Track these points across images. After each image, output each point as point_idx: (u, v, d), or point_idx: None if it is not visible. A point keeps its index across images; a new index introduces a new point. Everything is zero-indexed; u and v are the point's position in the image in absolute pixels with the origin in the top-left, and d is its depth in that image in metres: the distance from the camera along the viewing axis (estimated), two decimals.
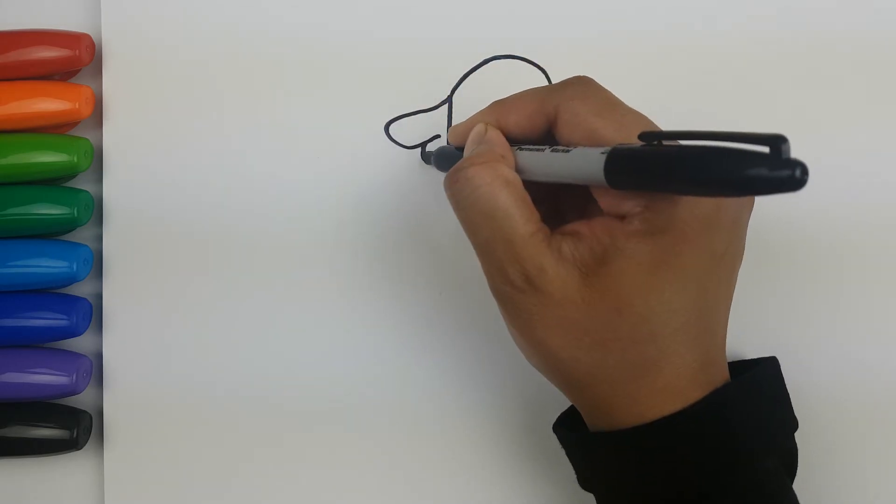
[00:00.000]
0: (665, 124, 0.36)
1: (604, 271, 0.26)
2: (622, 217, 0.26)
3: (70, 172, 0.35)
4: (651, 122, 0.28)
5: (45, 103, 0.35)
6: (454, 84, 0.36)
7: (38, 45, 0.35)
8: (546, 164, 0.27)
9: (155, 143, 0.36)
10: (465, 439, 0.35)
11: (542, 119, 0.29)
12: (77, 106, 0.35)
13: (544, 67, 0.36)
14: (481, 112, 0.31)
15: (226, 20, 0.37)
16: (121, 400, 0.36)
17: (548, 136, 0.29)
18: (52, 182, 0.36)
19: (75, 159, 0.35)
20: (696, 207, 0.25)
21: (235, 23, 0.37)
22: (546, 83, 0.36)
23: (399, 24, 0.36)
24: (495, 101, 0.31)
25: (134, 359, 0.36)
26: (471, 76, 0.36)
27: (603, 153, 0.25)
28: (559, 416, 0.31)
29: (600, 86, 0.29)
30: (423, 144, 0.36)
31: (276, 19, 0.37)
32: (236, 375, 0.36)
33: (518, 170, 0.28)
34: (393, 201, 0.36)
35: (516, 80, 0.36)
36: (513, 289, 0.26)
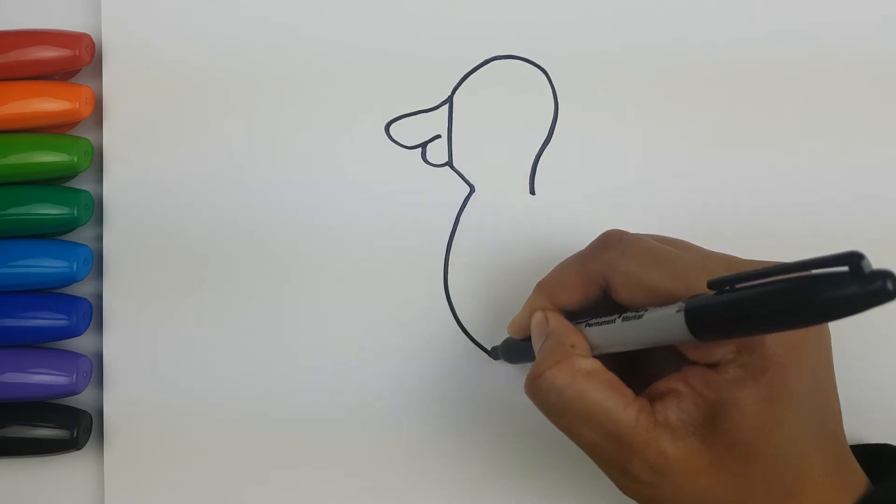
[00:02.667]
0: (665, 125, 0.36)
1: (720, 427, 0.25)
2: (714, 365, 0.25)
3: (70, 172, 0.35)
4: (694, 248, 0.28)
5: (45, 103, 0.35)
6: (454, 84, 0.36)
7: (38, 45, 0.35)
8: (620, 334, 0.27)
9: (155, 143, 0.36)
10: (469, 445, 0.35)
11: (594, 289, 0.28)
12: (77, 106, 0.35)
13: (545, 67, 0.36)
14: (531, 299, 0.31)
15: (226, 20, 0.37)
16: (121, 400, 0.36)
17: (606, 300, 0.29)
18: (52, 182, 0.36)
19: (75, 159, 0.35)
20: (783, 337, 0.25)
21: (235, 22, 0.37)
22: (546, 83, 0.36)
23: (399, 24, 0.36)
24: (539, 284, 0.30)
25: (134, 359, 0.36)
26: (471, 76, 0.36)
27: (679, 311, 0.24)
28: None
29: (634, 235, 0.28)
30: (423, 144, 0.36)
31: (276, 20, 0.37)
32: (236, 376, 0.36)
33: (591, 347, 0.28)
34: (393, 202, 0.36)
35: (517, 81, 0.36)
36: (641, 485, 0.26)
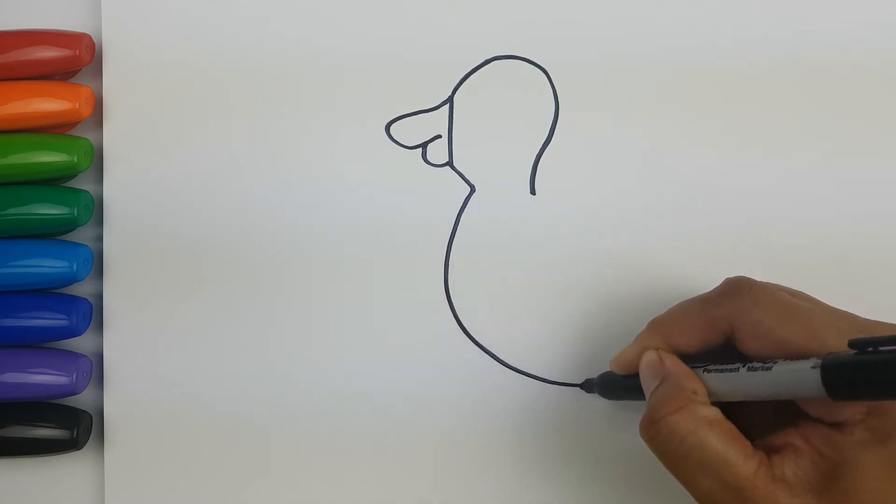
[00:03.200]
0: (665, 125, 0.36)
1: (838, 487, 0.25)
2: (838, 426, 0.25)
3: (70, 172, 0.35)
4: (821, 304, 0.28)
5: (45, 103, 0.35)
6: (455, 84, 0.36)
7: (38, 45, 0.35)
8: (744, 384, 0.27)
9: (155, 143, 0.36)
10: (468, 445, 0.35)
11: (716, 336, 0.28)
12: (77, 106, 0.35)
13: (545, 67, 0.36)
14: (643, 336, 0.30)
15: (226, 20, 0.37)
16: (121, 400, 0.36)
17: (724, 348, 0.28)
18: (52, 182, 0.36)
19: (75, 159, 0.35)
20: None
21: (235, 22, 0.37)
22: (547, 83, 0.36)
23: (399, 24, 0.36)
24: (654, 322, 0.30)
25: (134, 359, 0.36)
26: (472, 76, 0.36)
27: (815, 367, 0.24)
28: None
29: (763, 285, 0.28)
30: (423, 144, 0.36)
31: (276, 20, 0.37)
32: (236, 375, 0.36)
33: (709, 394, 0.27)
34: (393, 202, 0.36)
35: (517, 81, 0.36)
36: None
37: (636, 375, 0.30)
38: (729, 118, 0.36)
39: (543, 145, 0.36)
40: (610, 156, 0.36)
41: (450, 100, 0.36)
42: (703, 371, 0.28)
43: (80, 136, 0.36)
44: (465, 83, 0.36)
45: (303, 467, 0.36)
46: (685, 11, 0.36)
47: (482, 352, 0.35)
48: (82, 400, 0.36)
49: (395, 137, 0.36)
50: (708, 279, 0.35)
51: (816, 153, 0.35)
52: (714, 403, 0.27)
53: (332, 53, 0.36)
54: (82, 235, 0.37)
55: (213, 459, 0.36)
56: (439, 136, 0.36)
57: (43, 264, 0.34)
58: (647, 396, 0.29)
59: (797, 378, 0.25)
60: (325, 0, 0.37)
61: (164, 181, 0.36)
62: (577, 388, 0.35)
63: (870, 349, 0.23)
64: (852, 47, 0.36)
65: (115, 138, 0.36)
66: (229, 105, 0.36)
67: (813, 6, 0.36)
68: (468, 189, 0.36)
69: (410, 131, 0.36)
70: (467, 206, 0.36)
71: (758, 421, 0.28)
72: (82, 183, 0.37)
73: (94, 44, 0.36)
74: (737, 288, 0.28)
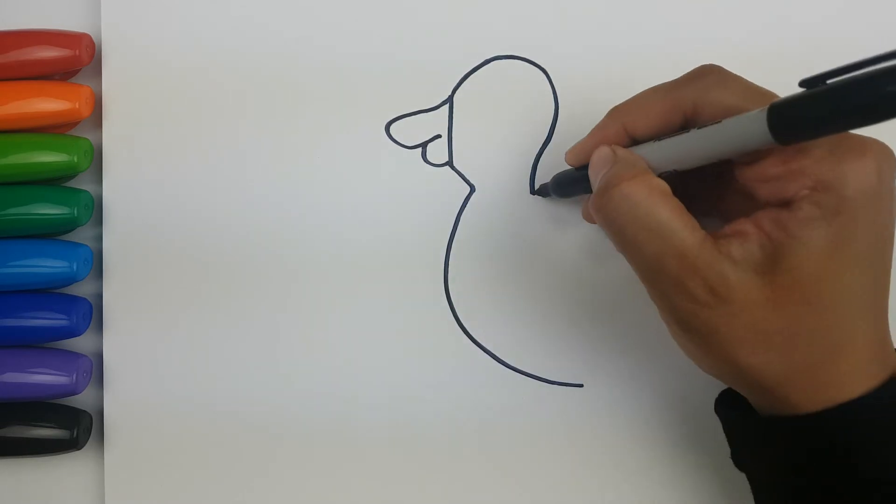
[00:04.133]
0: None
1: (783, 267, 0.25)
2: (787, 204, 0.25)
3: (70, 172, 0.35)
4: None
5: (45, 103, 0.35)
6: (455, 84, 0.36)
7: (38, 45, 0.35)
8: (695, 145, 0.27)
9: (155, 143, 0.36)
10: (468, 445, 0.35)
11: (677, 117, 0.28)
12: (77, 106, 0.35)
13: (545, 67, 0.36)
14: (602, 123, 0.30)
15: (226, 20, 0.37)
16: (121, 400, 0.36)
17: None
18: (52, 182, 0.36)
19: (75, 159, 0.35)
20: (862, 181, 0.24)
21: (235, 23, 0.37)
22: (547, 83, 0.36)
23: (399, 24, 0.36)
24: (615, 108, 0.30)
25: (134, 359, 0.36)
26: (472, 76, 0.36)
27: (762, 111, 0.24)
28: (720, 395, 0.31)
29: (732, 72, 0.28)
30: (423, 144, 0.36)
31: (276, 20, 0.37)
32: (236, 375, 0.36)
33: (658, 166, 0.28)
34: (393, 202, 0.36)
35: (517, 81, 0.36)
36: (696, 305, 0.26)
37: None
38: None
39: (543, 145, 0.36)
40: None
41: (450, 100, 0.36)
42: (655, 142, 0.28)
43: (80, 136, 0.36)
44: (465, 83, 0.36)
45: (303, 466, 0.36)
46: (685, 12, 0.36)
47: (482, 352, 0.35)
48: (82, 400, 0.36)
49: (395, 137, 0.36)
50: None
51: None
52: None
53: (332, 53, 0.36)
54: (82, 235, 0.37)
55: (213, 459, 0.36)
56: (439, 136, 0.36)
57: (43, 264, 0.34)
58: (596, 183, 0.29)
59: (745, 126, 0.25)
60: (325, 0, 0.37)
61: (164, 181, 0.36)
62: (577, 388, 0.35)
63: (819, 86, 0.23)
64: (855, 51, 0.36)
65: (115, 138, 0.36)
66: (229, 105, 0.36)
67: (812, 8, 0.36)
68: (468, 189, 0.36)
69: (410, 131, 0.36)
70: (467, 206, 0.36)
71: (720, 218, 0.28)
72: (82, 183, 0.37)
73: (94, 44, 0.36)
74: (705, 71, 0.28)
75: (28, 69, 0.35)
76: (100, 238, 0.36)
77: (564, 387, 0.35)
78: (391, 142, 0.36)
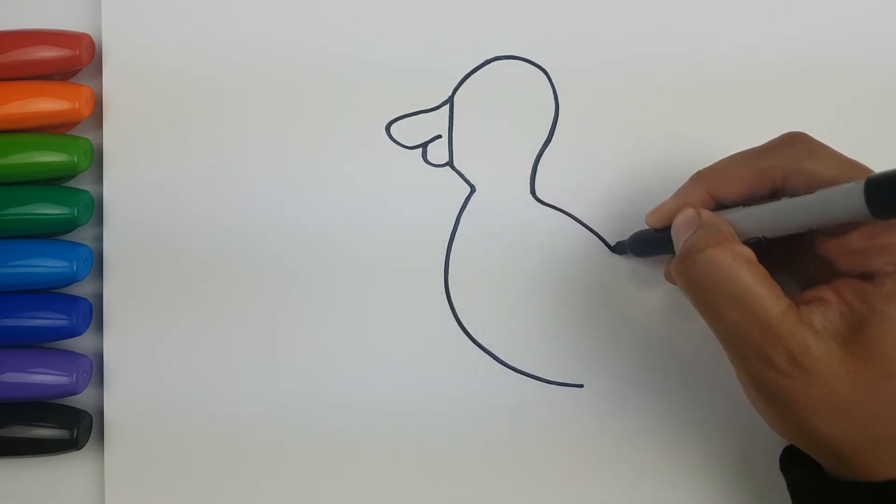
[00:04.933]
0: (665, 125, 0.36)
1: (864, 339, 0.25)
2: (869, 276, 0.26)
3: (70, 172, 0.35)
4: None
5: (45, 103, 0.35)
6: (455, 84, 0.36)
7: (38, 45, 0.35)
8: (786, 213, 0.27)
9: (155, 143, 0.36)
10: (468, 445, 0.35)
11: (765, 185, 0.28)
12: (77, 106, 0.35)
13: (545, 67, 0.36)
14: (686, 188, 0.30)
15: (226, 20, 0.37)
16: (121, 400, 0.36)
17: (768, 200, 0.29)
18: (52, 182, 0.36)
19: (75, 159, 0.35)
20: None
21: (235, 23, 0.37)
22: (547, 83, 0.36)
23: (400, 24, 0.36)
24: (699, 173, 0.30)
25: (134, 359, 0.36)
26: (472, 76, 0.36)
27: (859, 184, 0.24)
28: (784, 451, 0.31)
29: (820, 141, 0.28)
30: (423, 145, 0.36)
31: (276, 21, 0.37)
32: (237, 375, 0.36)
33: (744, 232, 0.28)
34: (394, 202, 0.36)
35: (517, 81, 0.36)
36: (777, 373, 0.26)
37: (670, 228, 0.30)
38: (729, 119, 0.36)
39: (543, 145, 0.36)
40: (610, 156, 0.36)
41: (450, 100, 0.36)
42: (741, 208, 0.28)
43: (80, 136, 0.36)
44: (465, 83, 0.36)
45: (303, 465, 0.36)
46: (687, 13, 0.36)
47: (482, 352, 0.35)
48: (82, 400, 0.36)
49: (396, 137, 0.36)
50: None
51: None
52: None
53: (333, 53, 0.36)
54: (82, 235, 0.37)
55: (213, 459, 0.36)
56: (439, 136, 0.36)
57: (43, 264, 0.34)
58: (680, 245, 0.29)
59: (840, 198, 0.25)
60: (326, 1, 0.37)
61: (164, 181, 0.36)
62: (578, 388, 0.35)
63: None
64: (855, 55, 0.36)
65: (115, 138, 0.36)
66: (229, 105, 0.36)
67: (815, 13, 0.36)
68: (468, 189, 0.36)
69: (411, 131, 0.36)
70: (467, 206, 0.36)
71: (798, 282, 0.28)
72: (82, 183, 0.37)
73: (94, 44, 0.36)
74: (794, 139, 0.28)
75: (28, 69, 0.35)
76: (100, 238, 0.36)
77: (564, 387, 0.35)
78: (392, 142, 0.36)
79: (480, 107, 0.36)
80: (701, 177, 0.30)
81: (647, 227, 0.33)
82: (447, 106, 0.36)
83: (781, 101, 0.36)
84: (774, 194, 0.28)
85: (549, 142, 0.36)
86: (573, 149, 0.36)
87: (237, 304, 0.36)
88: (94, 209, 0.36)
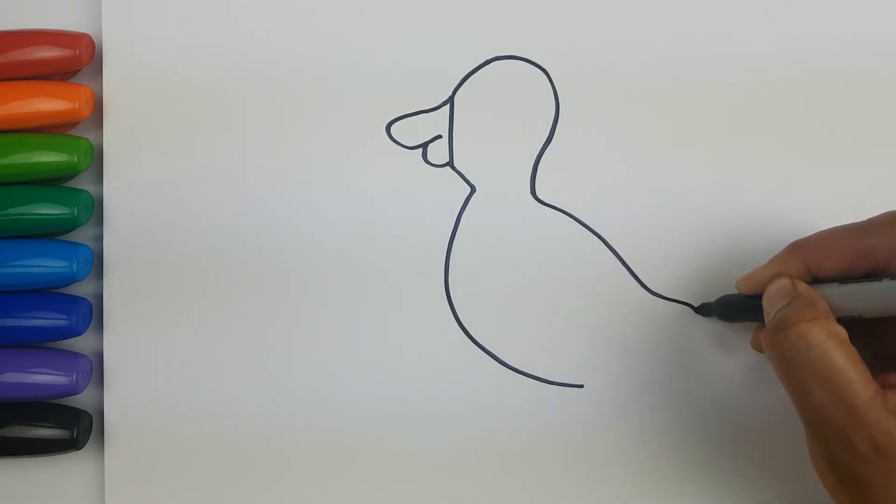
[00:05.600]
0: (666, 125, 0.36)
1: None
2: None
3: (70, 172, 0.35)
4: None
5: (45, 103, 0.35)
6: (456, 84, 0.36)
7: (38, 45, 0.35)
8: (886, 295, 0.27)
9: (155, 143, 0.36)
10: (468, 445, 0.35)
11: (865, 264, 0.28)
12: (77, 106, 0.35)
13: (545, 68, 0.36)
14: (781, 257, 0.30)
15: (226, 20, 0.37)
16: (121, 400, 0.36)
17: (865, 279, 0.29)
18: (52, 182, 0.36)
19: (75, 159, 0.35)
20: None
21: (236, 23, 0.37)
22: (547, 83, 0.36)
23: (400, 24, 0.36)
24: (796, 243, 0.30)
25: (134, 359, 0.36)
26: (472, 76, 0.36)
27: None
28: None
29: None
30: (424, 145, 0.36)
31: (276, 21, 0.37)
32: (237, 375, 0.36)
33: (838, 308, 0.28)
34: (394, 202, 0.36)
35: (518, 81, 0.36)
36: (856, 458, 0.26)
37: (760, 296, 0.30)
38: (730, 120, 0.36)
39: (544, 145, 0.36)
40: (611, 156, 0.36)
41: (450, 100, 0.36)
42: (839, 284, 0.28)
43: (80, 136, 0.36)
44: (465, 83, 0.36)
45: (303, 465, 0.36)
46: (685, 13, 0.36)
47: (482, 352, 0.35)
48: (82, 400, 0.36)
49: (396, 137, 0.36)
50: (706, 279, 0.35)
51: (818, 162, 0.35)
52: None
53: (333, 53, 0.36)
54: (82, 235, 0.37)
55: (214, 459, 0.36)
56: (440, 136, 0.36)
57: (43, 264, 0.34)
58: (771, 315, 0.29)
59: None
60: (328, 1, 0.37)
61: (164, 181, 0.36)
62: (578, 388, 0.35)
63: None
64: (855, 60, 0.36)
65: (115, 138, 0.36)
66: (229, 104, 0.36)
67: (811, 16, 0.36)
68: (468, 189, 0.36)
69: (411, 131, 0.36)
70: (467, 206, 0.36)
71: (877, 360, 0.28)
72: (82, 183, 0.37)
73: (94, 44, 0.36)
74: (892, 219, 0.28)
75: (28, 69, 0.35)
76: (100, 238, 0.36)
77: (564, 387, 0.35)
78: (392, 142, 0.36)
79: (480, 107, 0.36)
80: (797, 247, 0.30)
81: (737, 292, 0.32)
82: (447, 106, 0.36)
83: (782, 101, 0.36)
84: (873, 273, 0.28)
85: (550, 142, 0.36)
86: (573, 149, 0.36)
87: (237, 304, 0.36)
88: (94, 209, 0.36)
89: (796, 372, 0.27)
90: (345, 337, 0.36)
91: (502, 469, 0.35)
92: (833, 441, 0.26)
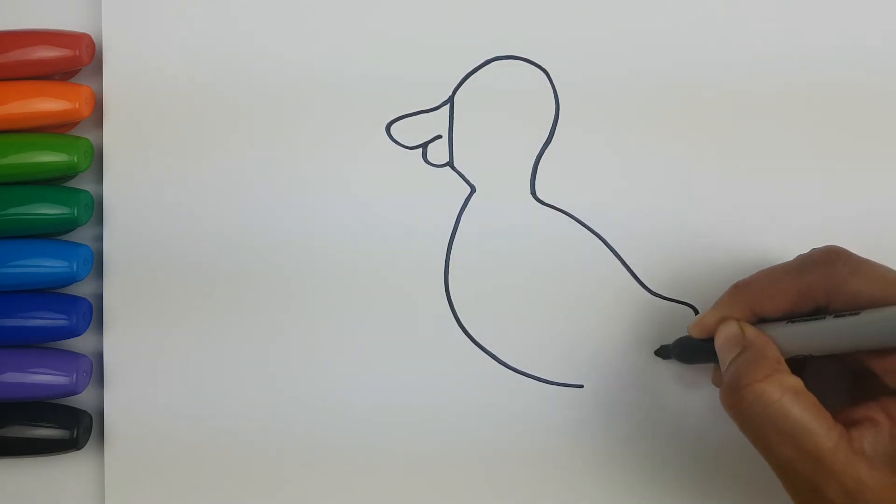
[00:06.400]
0: (666, 125, 0.36)
1: None
2: None
3: (70, 172, 0.35)
4: None
5: (45, 103, 0.35)
6: (456, 84, 0.36)
7: (38, 45, 0.35)
8: (830, 334, 0.27)
9: (155, 143, 0.36)
10: (469, 445, 0.35)
11: (808, 303, 0.28)
12: (77, 106, 0.35)
13: (545, 67, 0.36)
14: (725, 301, 0.30)
15: (226, 20, 0.37)
16: (121, 400, 0.36)
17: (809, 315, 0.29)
18: (52, 182, 0.36)
19: (75, 159, 0.35)
20: None
21: (236, 23, 0.37)
22: (548, 83, 0.36)
23: (400, 24, 0.36)
24: (738, 285, 0.30)
25: (134, 359, 0.36)
26: (472, 76, 0.36)
27: None
28: None
29: (862, 258, 0.28)
30: (424, 145, 0.36)
31: (276, 20, 0.37)
32: (237, 375, 0.36)
33: (786, 349, 0.28)
34: (394, 202, 0.36)
35: (517, 81, 0.36)
36: None
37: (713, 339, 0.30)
38: (730, 121, 0.36)
39: (544, 145, 0.36)
40: (611, 156, 0.36)
41: (450, 100, 0.36)
42: (787, 323, 0.28)
43: (80, 136, 0.36)
44: (465, 83, 0.36)
45: (302, 464, 0.36)
46: (685, 13, 0.36)
47: (482, 352, 0.35)
48: (82, 400, 0.36)
49: (396, 137, 0.36)
50: (706, 279, 0.35)
51: (817, 165, 0.35)
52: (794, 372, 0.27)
53: (333, 53, 0.36)
54: (82, 235, 0.37)
55: (213, 459, 0.36)
56: (440, 136, 0.36)
57: (43, 264, 0.34)
58: (725, 365, 0.29)
59: (888, 322, 0.25)
60: (326, 1, 0.37)
61: (165, 181, 0.36)
62: (578, 388, 0.35)
63: None
64: (855, 66, 0.36)
65: (115, 138, 0.36)
66: (229, 104, 0.36)
67: (812, 20, 0.36)
68: (468, 189, 0.36)
69: (411, 131, 0.36)
70: (467, 206, 0.36)
71: (837, 395, 0.28)
72: (82, 183, 0.37)
73: (94, 44, 0.36)
74: (832, 257, 0.28)
75: (28, 69, 0.35)
76: (100, 238, 0.36)
77: (564, 387, 0.35)
78: (392, 142, 0.36)
79: (480, 107, 0.36)
80: (739, 289, 0.30)
81: (691, 335, 0.32)
82: (447, 106, 0.36)
83: (782, 100, 0.36)
84: (817, 311, 0.28)
85: (550, 142, 0.36)
86: (573, 149, 0.36)
87: (237, 303, 0.36)
88: (94, 209, 0.36)
89: (758, 431, 0.27)
90: (344, 336, 0.36)
91: (502, 469, 0.35)
92: (805, 493, 0.26)
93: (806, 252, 0.30)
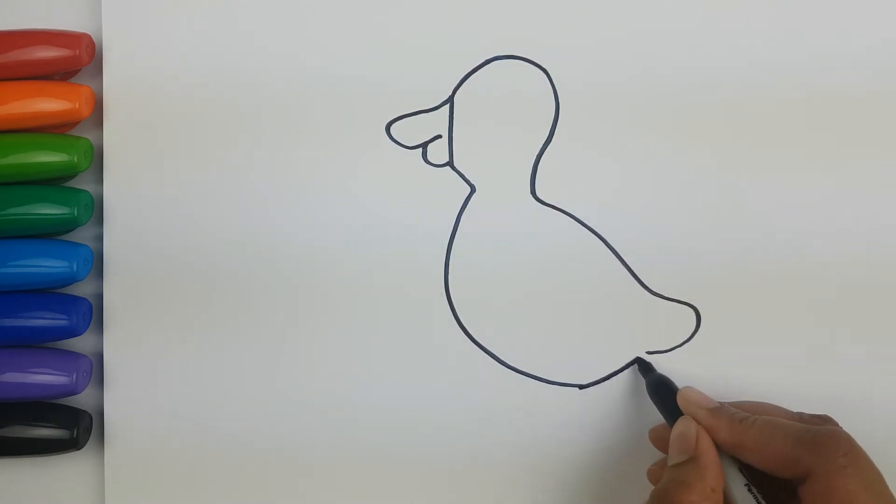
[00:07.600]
0: (665, 126, 0.36)
1: None
2: None
3: (70, 172, 0.35)
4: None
5: (45, 103, 0.35)
6: (455, 84, 0.36)
7: (38, 45, 0.35)
8: None
9: (155, 143, 0.36)
10: (469, 445, 0.35)
11: (792, 472, 0.27)
12: (77, 106, 0.35)
13: (545, 67, 0.36)
14: (714, 412, 0.30)
15: (226, 20, 0.37)
16: (121, 400, 0.36)
17: (783, 484, 0.28)
18: (52, 182, 0.36)
19: (75, 159, 0.35)
20: None
21: (236, 24, 0.37)
22: (547, 83, 0.36)
23: (400, 24, 0.36)
24: (739, 421, 0.29)
25: (134, 359, 0.36)
26: (472, 76, 0.36)
27: None
28: None
29: (864, 453, 0.27)
30: (424, 145, 0.36)
31: (277, 20, 0.37)
32: (236, 375, 0.36)
33: (732, 498, 0.28)
34: (394, 202, 0.36)
35: (517, 81, 0.36)
36: None
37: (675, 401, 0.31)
38: (730, 122, 0.36)
39: (544, 145, 0.36)
40: (610, 156, 0.36)
41: (450, 100, 0.36)
42: (747, 489, 0.28)
43: (80, 136, 0.36)
44: (465, 83, 0.36)
45: (302, 464, 0.36)
46: (685, 14, 0.36)
47: (482, 352, 0.35)
48: (82, 400, 0.36)
49: (396, 137, 0.36)
50: (706, 279, 0.35)
51: (817, 170, 0.35)
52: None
53: (333, 53, 0.36)
54: (82, 235, 0.37)
55: (213, 459, 0.36)
56: (439, 136, 0.36)
57: (43, 264, 0.34)
58: (670, 462, 0.29)
59: None
60: (326, 1, 0.37)
61: (165, 181, 0.36)
62: (577, 388, 0.35)
63: None
64: (846, 67, 0.36)
65: (115, 138, 0.36)
66: (229, 104, 0.36)
67: (811, 23, 0.36)
68: (468, 189, 0.36)
69: (411, 131, 0.36)
70: (467, 206, 0.36)
71: None
72: (82, 183, 0.37)
73: (94, 44, 0.36)
74: (832, 441, 0.27)
75: (28, 69, 0.35)
76: (100, 238, 0.36)
77: (564, 387, 0.35)
78: (392, 142, 0.36)
79: (480, 107, 0.36)
80: (736, 424, 0.29)
81: (666, 380, 0.33)
82: (447, 106, 0.36)
83: (781, 102, 0.36)
84: (794, 479, 0.28)
85: (549, 142, 0.36)
86: (573, 149, 0.36)
87: (237, 303, 0.36)
88: (94, 209, 0.36)
89: None
90: (344, 336, 0.36)
91: (502, 468, 0.35)
92: None
93: (808, 416, 0.30)
